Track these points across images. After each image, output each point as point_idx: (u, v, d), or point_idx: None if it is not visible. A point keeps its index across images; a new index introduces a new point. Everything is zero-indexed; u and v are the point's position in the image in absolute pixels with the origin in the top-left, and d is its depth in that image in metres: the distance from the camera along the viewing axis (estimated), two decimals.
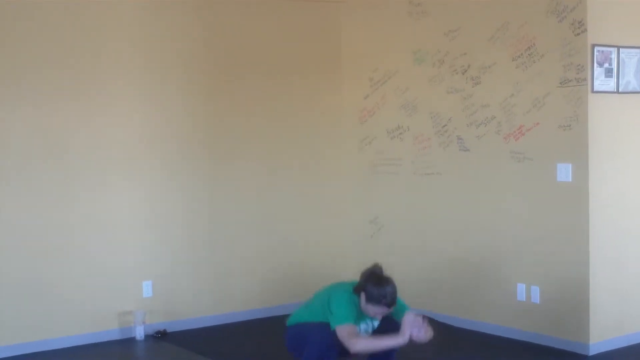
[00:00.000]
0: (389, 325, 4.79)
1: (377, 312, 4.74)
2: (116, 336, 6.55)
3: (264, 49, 7.22)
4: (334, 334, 4.69)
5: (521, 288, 6.22)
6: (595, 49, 5.70)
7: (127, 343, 6.48)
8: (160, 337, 6.60)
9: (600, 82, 5.75)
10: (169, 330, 6.71)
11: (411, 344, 4.67)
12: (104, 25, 6.46)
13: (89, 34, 6.40)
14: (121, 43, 6.54)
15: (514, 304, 6.29)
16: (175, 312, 6.83)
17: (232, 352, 6.21)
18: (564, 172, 5.86)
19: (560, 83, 5.85)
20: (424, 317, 4.72)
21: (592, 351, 5.81)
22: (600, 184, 5.81)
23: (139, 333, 6.53)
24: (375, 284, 4.71)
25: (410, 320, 4.62)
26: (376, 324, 4.90)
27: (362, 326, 4.83)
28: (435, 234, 6.91)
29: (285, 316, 6.99)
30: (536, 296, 6.12)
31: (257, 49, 7.19)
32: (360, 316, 4.79)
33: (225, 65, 7.04)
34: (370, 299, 4.69)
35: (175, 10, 6.78)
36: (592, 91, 5.71)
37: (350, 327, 4.66)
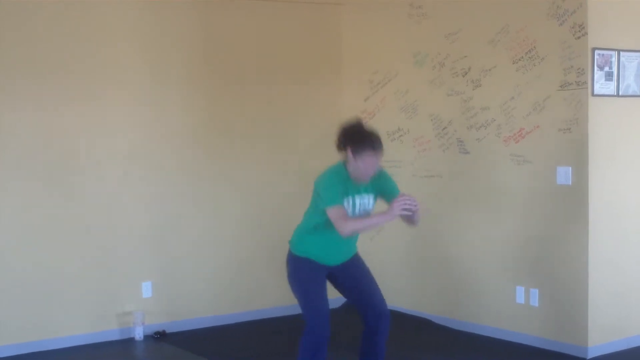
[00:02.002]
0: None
1: (367, 164, 4.54)
2: (115, 337, 6.56)
3: (265, 51, 7.23)
4: (327, 327, 4.63)
5: (520, 291, 6.23)
6: (596, 52, 5.71)
7: (126, 343, 6.48)
8: (159, 337, 6.60)
9: (601, 85, 5.76)
10: (168, 331, 6.72)
11: (401, 220, 4.55)
12: (105, 27, 6.47)
13: (90, 36, 6.41)
14: (122, 45, 6.55)
15: (513, 307, 6.29)
16: (174, 312, 6.83)
17: (231, 353, 6.21)
18: (564, 175, 5.87)
19: (561, 86, 5.86)
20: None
21: (591, 354, 5.81)
22: (600, 187, 5.82)
23: (138, 334, 6.54)
24: (357, 134, 4.58)
25: (400, 197, 4.43)
26: (372, 200, 4.72)
27: (358, 201, 4.65)
28: (435, 236, 6.91)
29: (284, 318, 7.02)
30: (535, 299, 6.12)
31: (257, 51, 7.19)
32: (353, 189, 4.62)
33: (226, 66, 7.05)
34: (355, 150, 4.53)
35: (176, 12, 6.79)
36: (593, 94, 5.72)
37: (339, 208, 4.50)
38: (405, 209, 4.42)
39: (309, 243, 4.79)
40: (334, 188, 4.57)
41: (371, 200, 4.76)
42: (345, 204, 4.60)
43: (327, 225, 4.62)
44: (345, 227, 4.48)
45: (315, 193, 4.71)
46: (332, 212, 4.52)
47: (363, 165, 4.56)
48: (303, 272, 4.81)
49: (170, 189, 6.80)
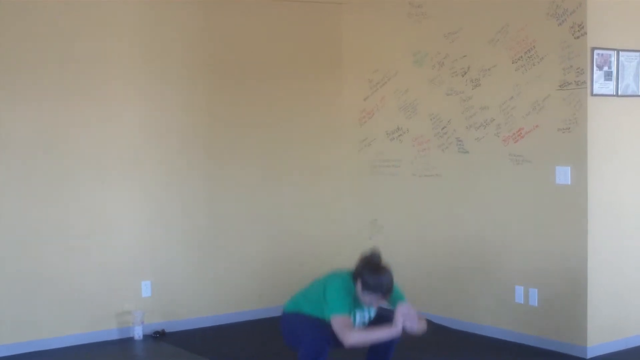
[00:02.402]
0: (386, 317, 4.77)
1: (373, 300, 4.73)
2: (115, 336, 6.56)
3: (265, 50, 7.23)
4: (328, 330, 4.67)
5: (519, 290, 6.23)
6: (595, 52, 5.71)
7: (125, 343, 6.48)
8: (158, 337, 6.60)
9: (600, 85, 5.76)
10: (167, 330, 6.72)
11: (405, 335, 4.66)
12: (105, 24, 6.47)
13: (90, 33, 6.41)
14: (122, 42, 6.55)
15: (512, 307, 6.29)
16: (173, 312, 6.83)
17: (230, 352, 6.21)
18: (563, 174, 5.86)
19: (560, 86, 5.86)
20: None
21: (590, 354, 5.81)
22: (599, 187, 5.81)
23: (138, 333, 6.54)
24: (371, 273, 4.71)
25: (403, 311, 4.58)
26: (373, 313, 4.89)
27: (358, 315, 4.81)
28: (434, 235, 6.91)
29: None
30: (534, 299, 6.12)
31: (257, 50, 7.19)
32: (356, 304, 4.77)
33: (226, 65, 7.05)
34: (366, 288, 4.68)
35: (177, 11, 6.79)
36: (592, 94, 5.72)
37: (344, 318, 4.63)
38: (406, 323, 4.59)
39: (309, 310, 4.89)
40: (343, 300, 4.69)
41: (372, 312, 4.90)
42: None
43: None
44: (349, 338, 4.59)
45: (322, 298, 4.78)
46: (338, 321, 4.64)
47: (369, 300, 4.74)
48: (304, 316, 4.88)
49: (170, 188, 6.80)
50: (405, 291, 7.09)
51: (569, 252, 5.88)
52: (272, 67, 7.27)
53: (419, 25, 6.95)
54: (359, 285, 4.72)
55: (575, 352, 5.85)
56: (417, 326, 4.63)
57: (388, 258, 7.18)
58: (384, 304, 4.88)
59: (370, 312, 4.89)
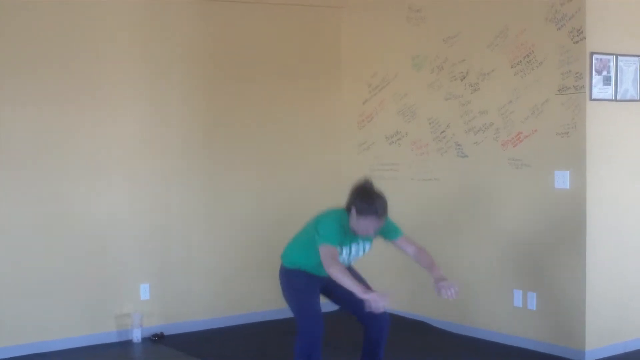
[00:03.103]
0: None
1: (368, 225, 4.70)
2: (113, 339, 6.55)
3: (264, 53, 7.24)
4: (319, 306, 4.75)
5: (518, 294, 6.24)
6: (594, 56, 5.73)
7: (124, 346, 6.48)
8: (157, 340, 6.60)
9: (599, 89, 5.77)
10: (166, 333, 6.72)
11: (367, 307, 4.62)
12: (104, 26, 6.47)
13: (90, 35, 6.41)
14: (121, 44, 6.56)
15: (510, 311, 6.30)
16: (172, 315, 6.83)
17: (229, 355, 6.21)
18: (562, 179, 5.88)
19: (559, 90, 5.87)
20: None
21: (589, 358, 5.82)
22: (598, 191, 5.83)
23: (136, 336, 6.54)
24: (364, 196, 4.72)
25: (378, 297, 4.52)
26: (368, 247, 4.90)
27: (354, 247, 4.82)
28: (432, 239, 6.90)
29: (282, 320, 7.02)
30: (533, 302, 6.13)
31: (256, 53, 7.20)
32: (351, 237, 4.78)
33: (225, 68, 7.05)
34: (359, 212, 4.68)
35: (176, 13, 6.80)
36: (590, 99, 5.73)
37: (332, 248, 4.65)
38: (373, 302, 4.53)
39: (301, 257, 4.92)
40: (334, 231, 4.71)
41: (367, 246, 4.93)
42: (343, 251, 4.79)
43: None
44: (330, 268, 4.59)
45: (314, 230, 4.79)
46: (325, 249, 4.65)
47: (364, 226, 4.73)
48: (296, 282, 4.93)
49: (168, 191, 6.81)
50: (402, 293, 7.13)
51: (567, 256, 5.90)
52: (271, 71, 7.28)
53: (418, 29, 6.97)
54: (353, 213, 4.72)
55: (573, 356, 5.85)
56: (378, 308, 4.56)
57: (386, 260, 7.23)
58: (379, 236, 4.90)
59: (365, 246, 4.89)
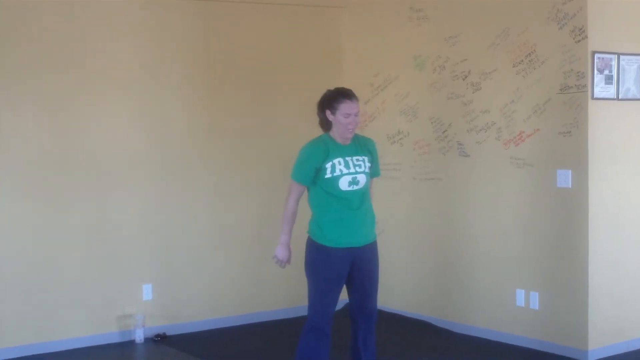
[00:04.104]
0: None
1: (347, 114, 4.68)
2: (116, 339, 6.56)
3: (266, 54, 7.24)
4: (328, 313, 4.80)
5: (520, 294, 6.24)
6: (596, 55, 5.72)
7: (126, 346, 6.49)
8: (159, 340, 6.61)
9: (600, 88, 5.77)
10: (168, 333, 6.72)
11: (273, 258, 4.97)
12: (105, 28, 6.48)
13: (91, 36, 6.42)
14: (122, 46, 6.56)
15: (513, 310, 6.30)
16: (175, 315, 6.84)
17: (231, 355, 6.21)
18: (564, 178, 5.88)
19: (561, 89, 5.87)
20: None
21: (591, 357, 5.81)
22: (600, 190, 5.82)
23: (139, 336, 6.54)
24: (328, 93, 4.81)
25: (286, 254, 4.89)
26: (366, 160, 4.82)
27: (351, 162, 4.75)
28: (435, 239, 6.92)
29: (284, 320, 7.03)
30: (535, 302, 6.13)
31: (258, 54, 7.21)
32: (338, 149, 4.74)
33: (226, 68, 7.06)
34: (332, 106, 4.72)
35: (177, 14, 6.80)
36: (592, 98, 5.73)
37: (297, 186, 4.81)
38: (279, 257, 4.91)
39: (327, 223, 4.79)
40: (306, 164, 4.78)
41: (366, 164, 4.83)
42: (338, 164, 4.72)
43: (337, 201, 4.72)
44: (285, 202, 4.83)
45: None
46: (292, 186, 4.83)
47: (343, 117, 4.71)
48: (321, 267, 4.82)
49: (170, 191, 6.81)
50: (405, 293, 7.13)
51: (570, 255, 5.89)
52: (273, 70, 7.29)
53: (419, 29, 6.97)
54: (329, 117, 4.75)
55: (576, 355, 5.85)
56: (279, 263, 4.93)
57: (389, 260, 7.22)
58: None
59: (365, 160, 4.82)
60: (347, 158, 4.76)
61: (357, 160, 4.79)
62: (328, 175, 4.71)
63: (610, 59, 5.81)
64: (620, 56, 5.87)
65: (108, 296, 6.55)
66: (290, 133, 7.39)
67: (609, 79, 5.81)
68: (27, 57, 6.18)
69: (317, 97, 7.42)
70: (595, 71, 5.73)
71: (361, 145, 4.86)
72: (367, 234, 4.87)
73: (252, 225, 7.22)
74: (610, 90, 5.84)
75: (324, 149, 4.74)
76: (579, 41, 5.74)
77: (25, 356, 6.16)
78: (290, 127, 7.38)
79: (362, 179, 4.77)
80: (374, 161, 4.92)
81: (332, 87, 4.92)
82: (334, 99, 4.74)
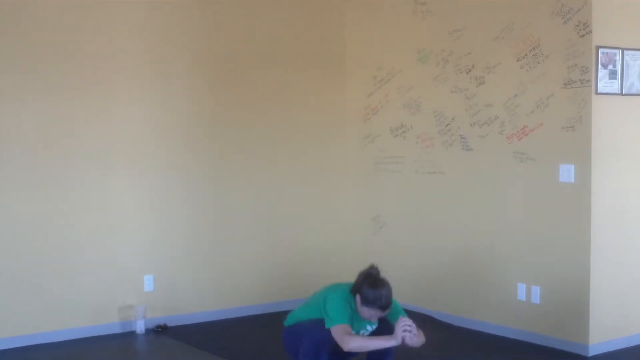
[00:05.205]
0: (386, 328, 4.79)
1: (372, 314, 4.75)
2: (117, 330, 6.57)
3: (268, 46, 7.24)
4: (329, 332, 4.71)
5: (522, 288, 6.23)
6: (600, 50, 5.71)
7: (127, 337, 6.49)
8: (160, 331, 6.62)
9: (604, 83, 5.76)
10: (169, 324, 6.73)
11: (404, 346, 4.66)
12: (108, 19, 6.47)
13: (94, 29, 6.41)
14: (126, 37, 6.56)
15: (514, 304, 6.30)
16: (176, 306, 6.84)
17: (232, 347, 6.22)
18: (567, 173, 5.87)
19: (564, 84, 5.86)
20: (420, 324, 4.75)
21: (592, 352, 5.81)
22: (603, 186, 5.82)
23: (140, 327, 6.55)
24: (370, 286, 4.72)
25: (405, 323, 4.60)
26: (373, 327, 4.91)
27: (359, 328, 4.84)
28: (437, 233, 6.92)
29: (286, 312, 7.03)
30: (536, 296, 6.13)
31: (261, 46, 7.20)
32: (356, 318, 4.80)
33: (230, 61, 7.05)
34: (365, 302, 4.71)
35: (180, 6, 6.79)
36: (596, 93, 5.72)
37: (344, 326, 4.67)
38: (405, 331, 4.58)
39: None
40: (342, 310, 4.72)
41: (373, 326, 4.90)
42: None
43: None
44: (349, 344, 4.60)
45: (322, 309, 4.79)
46: (338, 330, 4.66)
47: (367, 314, 4.76)
48: (299, 323, 4.93)
49: (173, 183, 6.81)
50: (406, 286, 7.14)
51: (571, 250, 5.89)
52: (276, 63, 7.28)
53: (423, 22, 6.95)
54: (358, 299, 4.74)
55: (577, 350, 5.85)
56: (417, 339, 4.64)
57: (389, 256, 7.23)
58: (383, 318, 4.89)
59: (372, 326, 4.90)
60: (362, 331, 4.85)
61: (365, 327, 4.87)
62: None
63: (615, 54, 5.80)
64: (625, 51, 5.86)
65: (109, 287, 6.55)
66: (294, 126, 7.41)
67: (613, 74, 5.80)
68: (30, 50, 6.16)
69: (321, 89, 7.52)
70: (600, 66, 5.71)
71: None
72: None
73: (255, 217, 7.22)
74: (614, 85, 5.83)
75: (351, 314, 4.76)
76: (583, 36, 5.72)
77: (26, 346, 6.17)
78: (295, 120, 7.39)
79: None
80: (391, 313, 4.86)
81: (378, 269, 4.86)
82: (370, 300, 4.69)
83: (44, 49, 6.22)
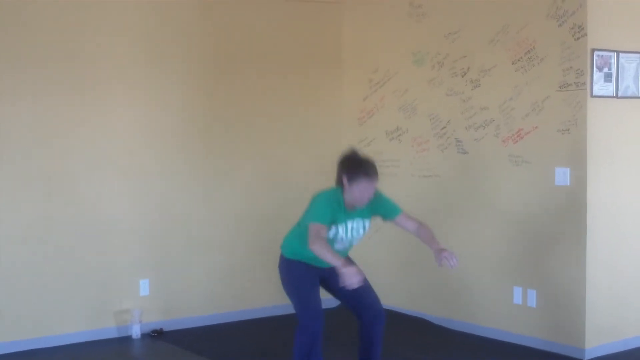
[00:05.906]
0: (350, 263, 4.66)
1: (362, 191, 4.65)
2: (113, 334, 6.55)
3: (264, 48, 7.23)
4: (319, 302, 4.73)
5: (518, 291, 6.23)
6: (595, 53, 5.71)
7: (123, 341, 6.48)
8: (156, 335, 6.60)
9: (600, 86, 5.76)
10: (165, 329, 6.72)
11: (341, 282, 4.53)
12: (103, 20, 6.46)
13: (90, 30, 6.40)
14: (120, 38, 6.54)
15: (510, 308, 6.29)
16: (172, 310, 6.83)
17: (228, 351, 6.21)
18: (562, 176, 5.87)
19: (560, 87, 5.86)
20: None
21: (588, 355, 5.81)
22: (598, 188, 5.81)
23: (136, 331, 6.54)
24: (352, 163, 4.70)
25: (356, 273, 4.43)
26: (367, 224, 4.84)
27: (350, 224, 4.76)
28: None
29: (283, 316, 7.02)
30: (533, 300, 6.13)
31: (257, 48, 7.19)
32: (345, 212, 4.73)
33: (225, 63, 7.04)
34: (350, 178, 4.64)
35: (176, 7, 6.78)
36: (591, 95, 5.71)
37: (318, 225, 4.60)
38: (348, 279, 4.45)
39: (299, 246, 4.85)
40: (324, 209, 4.67)
41: (366, 224, 4.86)
42: (340, 229, 4.74)
43: None
44: (313, 245, 4.54)
45: (307, 209, 4.80)
46: (313, 227, 4.61)
47: (358, 192, 4.68)
48: (295, 273, 4.89)
49: (168, 185, 6.80)
50: (402, 290, 7.13)
51: (567, 253, 5.89)
52: (272, 66, 7.27)
53: (419, 25, 6.95)
54: (345, 184, 4.68)
55: (573, 354, 5.85)
56: (352, 284, 4.47)
57: (385, 257, 7.22)
58: (379, 216, 4.86)
59: (364, 223, 4.83)
60: (349, 224, 4.78)
61: (357, 223, 4.82)
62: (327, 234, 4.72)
63: (610, 57, 5.80)
64: (620, 54, 5.86)
65: (105, 291, 6.54)
66: (290, 128, 7.40)
67: (608, 77, 5.80)
68: (25, 51, 6.14)
69: (317, 91, 7.51)
70: (595, 69, 5.71)
71: (367, 205, 4.81)
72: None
73: (251, 221, 7.21)
74: (610, 88, 5.83)
75: (335, 209, 4.72)
76: (578, 38, 5.72)
77: (23, 351, 6.15)
78: (290, 123, 7.38)
79: (355, 242, 4.89)
80: (384, 209, 4.87)
81: (356, 149, 4.82)
82: (354, 172, 4.66)
83: (39, 51, 6.20)
